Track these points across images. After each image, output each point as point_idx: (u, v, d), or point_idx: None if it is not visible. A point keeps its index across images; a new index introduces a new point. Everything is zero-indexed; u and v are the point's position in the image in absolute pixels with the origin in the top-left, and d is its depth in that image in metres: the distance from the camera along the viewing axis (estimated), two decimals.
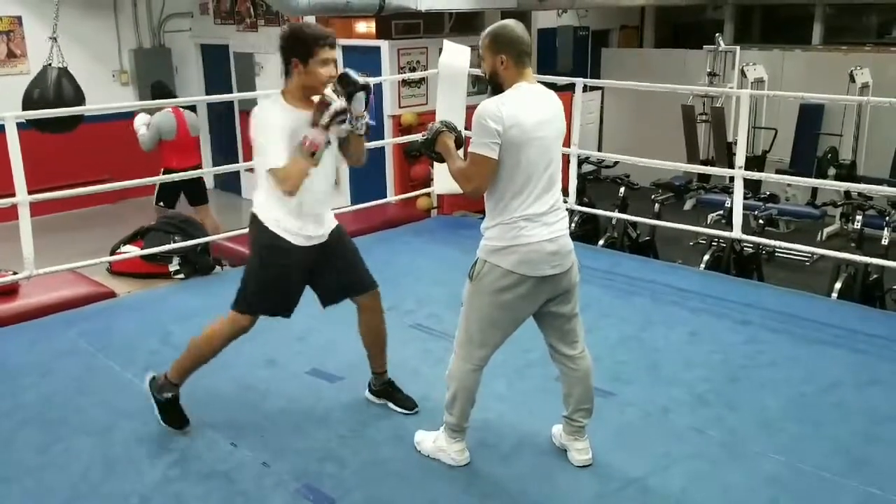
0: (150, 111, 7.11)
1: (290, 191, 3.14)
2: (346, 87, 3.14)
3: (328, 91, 3.19)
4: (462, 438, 3.19)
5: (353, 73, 3.16)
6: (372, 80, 3.21)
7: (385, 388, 3.66)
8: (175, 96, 7.44)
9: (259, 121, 3.19)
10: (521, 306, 2.96)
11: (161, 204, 7.21)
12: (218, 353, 3.43)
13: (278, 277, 3.33)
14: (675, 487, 3.07)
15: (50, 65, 6.77)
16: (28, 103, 6.73)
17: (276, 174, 3.13)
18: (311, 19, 8.62)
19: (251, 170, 3.65)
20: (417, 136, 3.16)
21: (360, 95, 3.15)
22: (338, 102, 3.12)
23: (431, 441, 3.27)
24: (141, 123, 7.00)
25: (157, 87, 7.36)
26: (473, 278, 2.96)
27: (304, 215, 3.26)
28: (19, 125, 4.63)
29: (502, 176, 2.85)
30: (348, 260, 3.47)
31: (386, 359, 3.63)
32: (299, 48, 3.15)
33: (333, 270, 3.43)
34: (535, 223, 2.87)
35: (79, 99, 6.83)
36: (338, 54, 3.26)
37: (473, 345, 3.01)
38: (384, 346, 3.61)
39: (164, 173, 6.78)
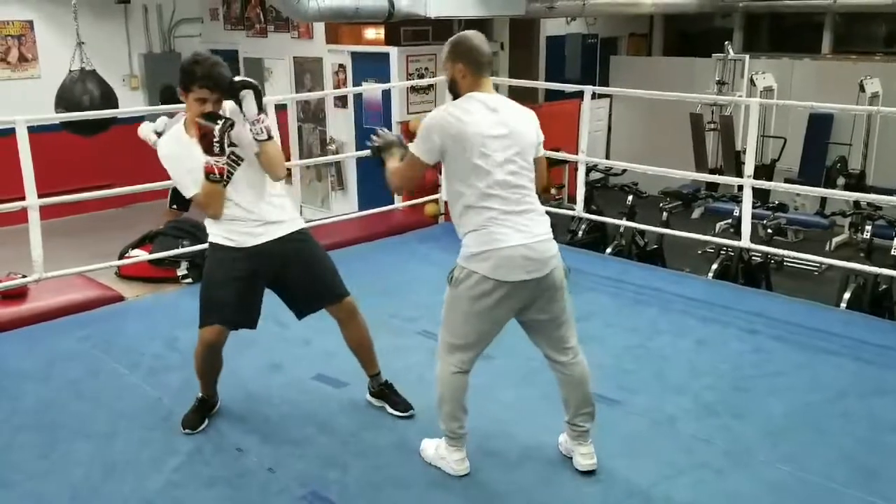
0: (153, 118, 7.20)
1: (215, 214, 3.28)
2: (232, 91, 3.17)
3: (200, 120, 3.16)
4: (461, 447, 3.18)
5: (235, 78, 3.20)
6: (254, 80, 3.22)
7: (382, 390, 3.67)
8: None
9: (161, 157, 3.32)
10: (497, 311, 2.96)
11: (174, 206, 7.28)
12: (209, 369, 3.49)
13: (223, 281, 3.35)
14: (681, 497, 3.05)
15: (82, 69, 6.86)
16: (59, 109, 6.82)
17: (196, 201, 3.27)
18: (320, 25, 8.69)
19: None
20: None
21: (248, 94, 3.17)
22: (217, 126, 3.12)
23: (434, 448, 3.27)
24: (150, 131, 7.05)
25: (169, 91, 7.43)
26: (451, 283, 2.99)
27: (238, 223, 3.31)
28: (38, 129, 4.66)
29: (462, 184, 2.92)
30: (313, 269, 3.47)
31: (376, 361, 3.65)
32: (182, 78, 3.20)
33: (297, 280, 3.45)
34: (507, 228, 2.89)
35: (107, 98, 6.89)
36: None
37: (454, 348, 3.04)
38: (370, 351, 3.63)
39: None
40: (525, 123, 3.02)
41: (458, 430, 3.14)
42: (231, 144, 3.18)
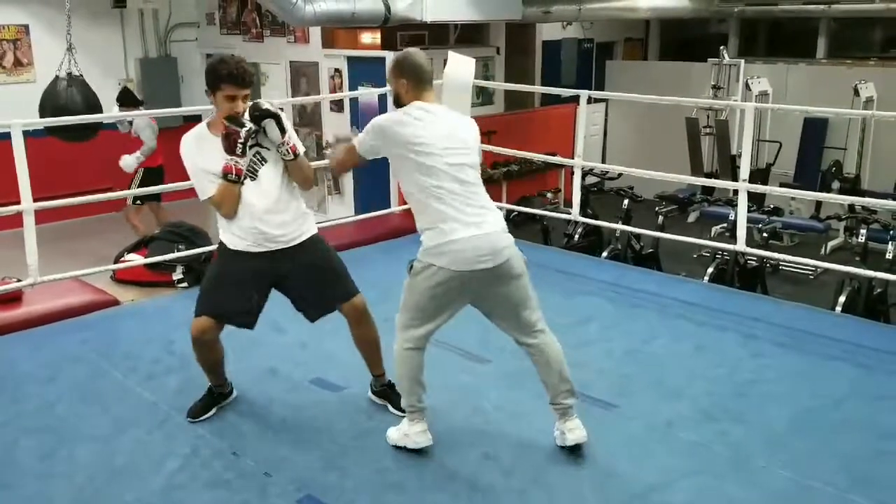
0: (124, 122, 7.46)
1: (227, 214, 3.36)
2: (255, 116, 3.31)
3: (227, 123, 3.29)
4: (421, 419, 3.31)
5: (262, 103, 3.34)
6: (280, 111, 3.37)
7: (384, 390, 3.71)
8: (142, 102, 7.96)
9: (182, 153, 3.41)
10: (448, 297, 3.18)
11: (139, 202, 7.70)
12: (203, 360, 3.54)
13: (220, 275, 3.47)
14: (680, 502, 3.05)
15: (70, 74, 6.89)
16: (42, 115, 6.84)
17: (211, 203, 3.36)
18: (316, 30, 8.69)
19: None
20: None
21: (269, 122, 3.32)
22: (242, 130, 3.26)
23: (396, 431, 3.40)
24: (132, 160, 7.44)
25: (128, 94, 7.69)
26: (410, 273, 3.20)
27: (249, 230, 3.38)
28: (34, 133, 4.65)
29: (410, 184, 3.15)
30: (323, 275, 3.53)
31: (381, 361, 3.68)
32: (210, 79, 3.31)
33: (308, 283, 3.50)
34: (459, 223, 3.08)
35: (90, 106, 6.92)
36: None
37: (407, 327, 3.25)
38: (377, 351, 3.66)
39: (146, 171, 7.41)
40: (464, 129, 3.26)
41: (418, 403, 3.29)
42: (257, 145, 3.34)
